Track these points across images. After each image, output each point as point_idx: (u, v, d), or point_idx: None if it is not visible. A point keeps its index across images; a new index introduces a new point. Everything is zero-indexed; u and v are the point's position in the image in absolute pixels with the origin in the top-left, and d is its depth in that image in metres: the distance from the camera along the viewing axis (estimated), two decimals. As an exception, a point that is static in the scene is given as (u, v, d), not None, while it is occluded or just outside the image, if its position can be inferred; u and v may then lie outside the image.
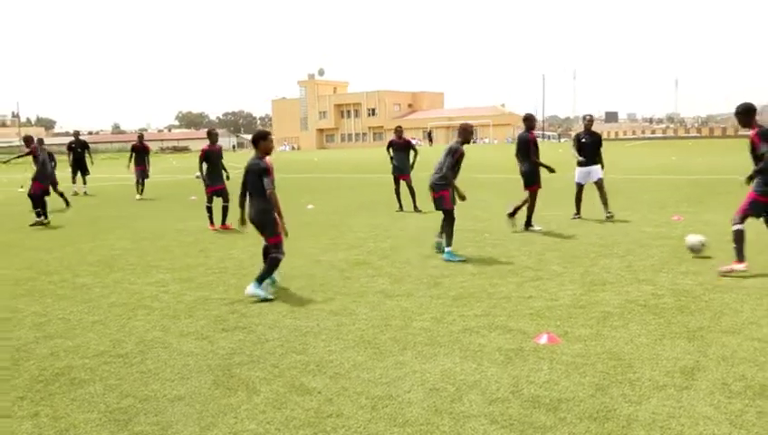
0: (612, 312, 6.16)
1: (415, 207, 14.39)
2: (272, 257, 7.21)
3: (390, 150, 14.87)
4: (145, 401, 4.46)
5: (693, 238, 8.45)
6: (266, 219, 7.19)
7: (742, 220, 7.48)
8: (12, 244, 11.73)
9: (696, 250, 8.40)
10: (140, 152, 19.90)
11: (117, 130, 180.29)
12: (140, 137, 20.50)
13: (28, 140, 15.30)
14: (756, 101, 7.76)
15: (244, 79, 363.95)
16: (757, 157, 7.39)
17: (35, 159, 14.86)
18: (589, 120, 12.65)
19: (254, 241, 10.91)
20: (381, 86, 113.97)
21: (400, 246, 10.16)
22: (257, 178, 7.06)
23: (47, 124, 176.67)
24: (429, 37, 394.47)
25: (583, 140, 12.40)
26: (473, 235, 10.89)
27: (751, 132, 7.42)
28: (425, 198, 14.86)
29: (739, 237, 7.44)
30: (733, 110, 7.74)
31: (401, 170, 14.62)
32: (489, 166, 31.69)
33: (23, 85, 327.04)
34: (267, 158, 7.17)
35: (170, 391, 4.64)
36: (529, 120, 11.34)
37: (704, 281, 7.18)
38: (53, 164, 14.67)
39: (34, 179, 14.30)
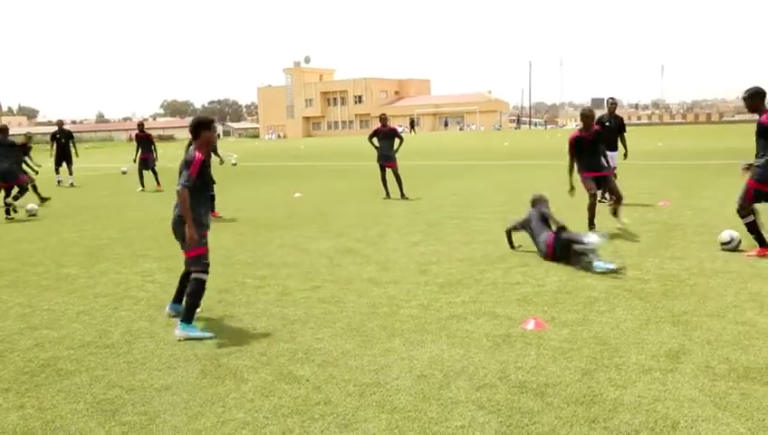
0: (598, 297, 6.20)
1: (402, 194, 14.39)
2: (193, 280, 5.58)
3: (375, 139, 14.85)
4: (132, 392, 4.44)
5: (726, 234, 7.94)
6: (182, 228, 5.55)
7: (748, 212, 7.51)
8: (-5, 235, 11.60)
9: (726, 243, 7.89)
10: (143, 141, 19.58)
11: (101, 118, 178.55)
12: (140, 125, 20.20)
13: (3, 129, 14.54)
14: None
15: (230, 67, 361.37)
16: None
17: None
18: (612, 104, 12.70)
19: (242, 229, 10.89)
20: (368, 73, 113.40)
21: (388, 233, 10.16)
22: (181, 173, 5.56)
23: (30, 113, 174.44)
24: (416, 24, 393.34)
25: (607, 124, 12.43)
26: (460, 222, 10.91)
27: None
28: (411, 186, 14.89)
29: (753, 228, 7.51)
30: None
31: (387, 158, 14.60)
32: (475, 152, 31.73)
33: (4, 74, 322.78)
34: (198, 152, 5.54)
35: (157, 380, 4.62)
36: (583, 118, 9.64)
37: (689, 266, 7.24)
38: (12, 158, 13.59)
39: None
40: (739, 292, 6.17)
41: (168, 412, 4.11)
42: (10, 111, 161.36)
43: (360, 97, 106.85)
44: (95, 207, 15.33)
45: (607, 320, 5.53)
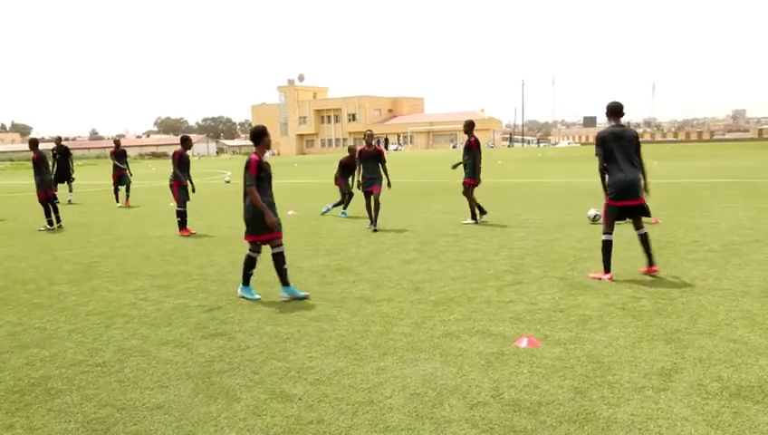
0: (591, 315, 6.21)
1: (374, 223, 12.44)
2: (282, 253, 7.56)
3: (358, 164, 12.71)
4: (123, 411, 4.41)
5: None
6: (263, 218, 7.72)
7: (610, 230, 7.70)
8: (-13, 252, 11.54)
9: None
10: (119, 156, 20.26)
11: (94, 135, 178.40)
12: (117, 142, 20.95)
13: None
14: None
15: (224, 84, 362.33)
16: None
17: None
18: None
19: (234, 247, 10.86)
20: (361, 91, 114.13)
21: (381, 251, 10.16)
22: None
23: (23, 130, 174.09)
24: (409, 43, 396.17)
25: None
26: (453, 240, 10.93)
27: None
28: (403, 203, 14.93)
29: (605, 248, 7.69)
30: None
31: (372, 183, 12.45)
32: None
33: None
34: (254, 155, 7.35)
35: (149, 399, 4.59)
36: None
37: (681, 284, 7.27)
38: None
39: None
40: (730, 310, 6.19)
41: (159, 431, 4.08)
42: (3, 128, 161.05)
43: (353, 115, 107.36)
44: (87, 224, 15.27)
45: (600, 338, 5.54)
